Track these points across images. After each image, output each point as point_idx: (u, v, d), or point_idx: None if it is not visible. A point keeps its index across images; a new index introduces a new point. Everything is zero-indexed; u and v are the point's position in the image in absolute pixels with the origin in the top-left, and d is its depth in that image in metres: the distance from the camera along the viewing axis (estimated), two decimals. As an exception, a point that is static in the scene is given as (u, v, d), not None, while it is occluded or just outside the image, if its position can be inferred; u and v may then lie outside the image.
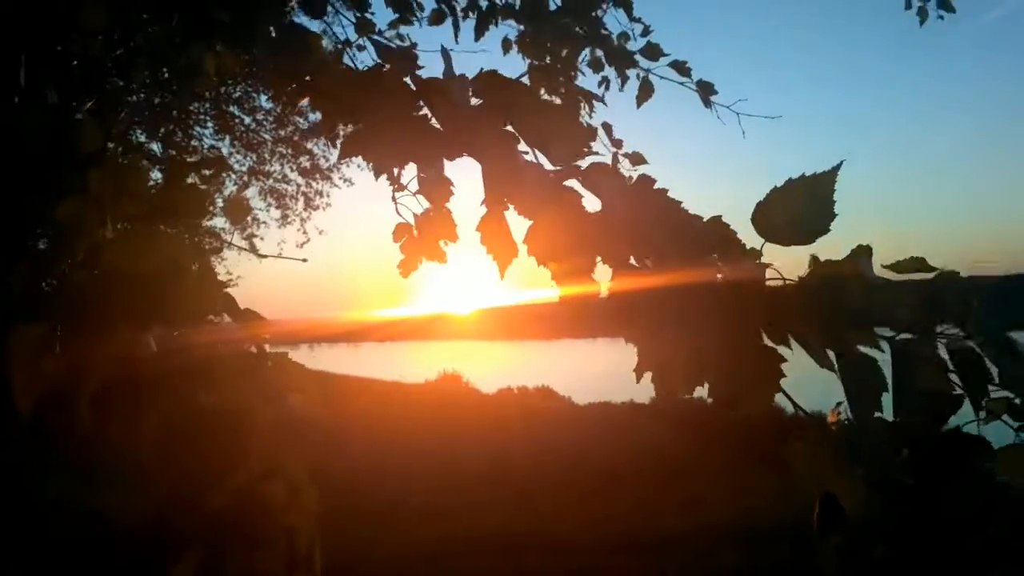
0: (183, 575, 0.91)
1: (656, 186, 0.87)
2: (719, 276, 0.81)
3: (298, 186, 10.89)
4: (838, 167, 0.84)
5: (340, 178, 10.96)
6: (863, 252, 0.79)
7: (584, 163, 0.92)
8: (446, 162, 1.05)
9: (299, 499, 1.02)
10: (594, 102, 2.75)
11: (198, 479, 0.95)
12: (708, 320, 0.79)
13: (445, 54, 0.97)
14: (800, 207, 0.83)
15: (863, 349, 0.75)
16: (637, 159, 2.87)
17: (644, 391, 13.44)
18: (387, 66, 0.98)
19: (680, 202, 0.86)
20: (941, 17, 3.27)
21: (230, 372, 1.01)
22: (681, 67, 2.78)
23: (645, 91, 2.81)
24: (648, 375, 0.88)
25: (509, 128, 0.95)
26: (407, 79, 0.98)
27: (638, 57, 2.78)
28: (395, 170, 1.20)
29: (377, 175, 1.12)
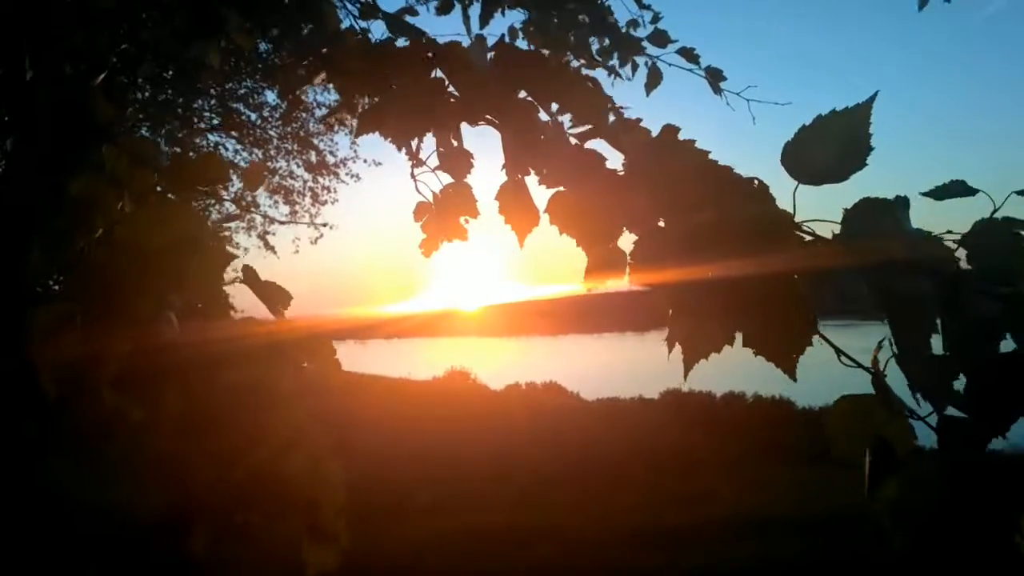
0: (196, 548, 0.90)
1: (681, 136, 0.83)
2: (750, 226, 0.77)
3: (304, 182, 10.93)
4: (872, 98, 0.80)
5: (347, 174, 10.98)
6: (900, 203, 0.76)
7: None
8: (464, 136, 1.02)
9: (322, 470, 1.01)
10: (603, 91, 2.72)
11: (219, 455, 0.94)
12: (741, 273, 0.76)
13: (466, 19, 0.94)
14: (834, 143, 0.79)
15: (905, 285, 0.73)
16: None
17: (652, 386, 13.44)
18: (396, 38, 0.95)
19: (708, 152, 0.83)
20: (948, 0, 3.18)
21: (251, 345, 1.00)
22: (689, 53, 2.77)
23: (654, 78, 2.80)
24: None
25: (528, 97, 0.92)
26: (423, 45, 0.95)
27: (646, 44, 2.76)
28: (414, 143, 1.16)
29: (399, 147, 1.09)
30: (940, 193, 0.84)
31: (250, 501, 0.96)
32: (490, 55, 0.94)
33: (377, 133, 1.04)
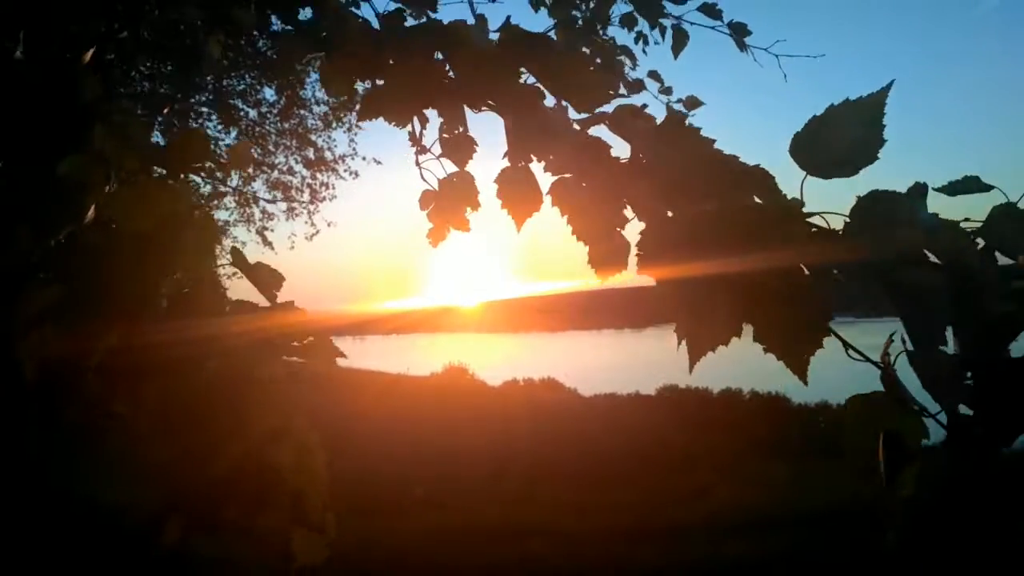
0: (171, 537, 0.90)
1: (688, 124, 0.82)
2: (757, 216, 0.76)
3: (303, 178, 10.91)
4: (887, 88, 0.78)
5: (345, 170, 10.96)
6: (918, 190, 0.74)
7: (610, 107, 0.88)
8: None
9: (308, 461, 1.00)
10: (636, 56, 2.67)
11: (202, 446, 0.93)
12: (749, 266, 0.74)
13: (470, 2, 0.94)
14: (845, 136, 0.77)
15: (919, 280, 0.71)
16: (692, 103, 2.75)
17: (649, 382, 13.44)
18: (406, 10, 0.94)
19: (713, 140, 0.81)
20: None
21: (238, 335, 0.99)
22: (711, 9, 2.63)
23: (680, 40, 2.66)
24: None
25: (532, 81, 0.91)
26: (427, 24, 0.94)
27: (666, 4, 2.66)
28: (417, 129, 1.15)
29: (401, 128, 1.07)
30: (953, 189, 0.81)
31: (235, 492, 0.95)
32: (495, 36, 0.93)
33: (380, 120, 1.03)
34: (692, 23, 2.69)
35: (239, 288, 1.26)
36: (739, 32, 2.74)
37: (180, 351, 0.95)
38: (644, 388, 14.03)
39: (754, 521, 6.21)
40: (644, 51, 2.80)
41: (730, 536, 5.89)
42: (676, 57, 2.72)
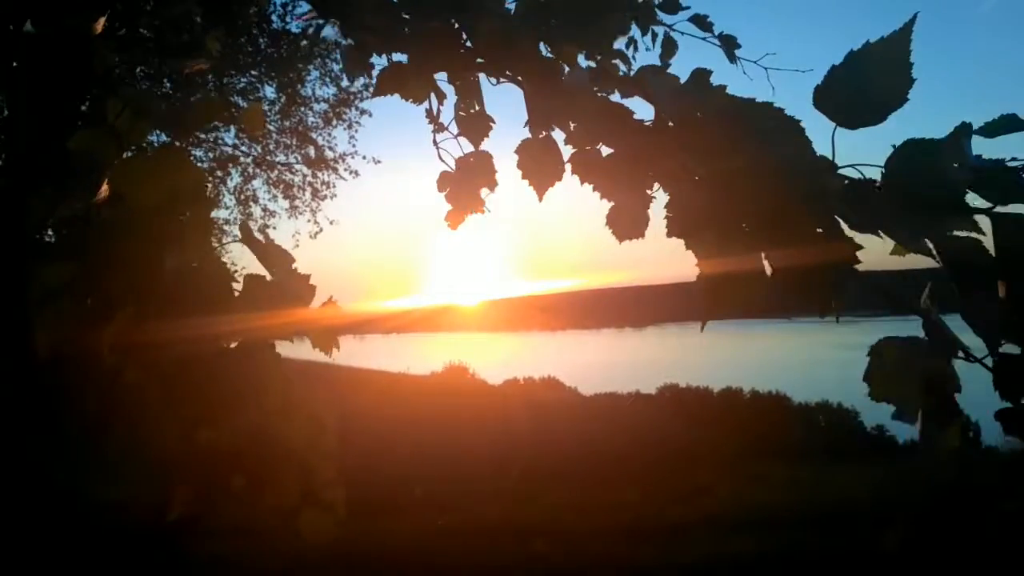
0: (177, 509, 0.89)
1: (712, 81, 0.80)
2: (791, 173, 0.73)
3: (304, 176, 10.91)
4: (911, 22, 0.74)
5: (346, 169, 10.96)
6: (963, 131, 0.71)
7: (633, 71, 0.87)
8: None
9: (320, 438, 0.98)
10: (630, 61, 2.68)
11: (206, 417, 0.91)
12: (781, 222, 0.73)
13: None
14: (871, 79, 0.74)
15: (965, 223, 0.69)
16: None
17: (650, 381, 13.43)
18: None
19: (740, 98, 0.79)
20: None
21: (251, 308, 0.97)
22: (702, 21, 2.65)
23: (668, 48, 2.69)
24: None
25: (550, 52, 0.90)
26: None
27: (658, 12, 2.68)
28: (434, 107, 1.14)
29: (418, 104, 1.06)
30: (992, 130, 0.76)
31: (242, 464, 0.93)
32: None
33: (379, 119, 1.03)
34: (683, 33, 2.72)
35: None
36: (729, 44, 2.75)
37: (192, 326, 0.92)
38: (645, 387, 14.06)
39: (755, 520, 6.20)
40: (634, 57, 2.82)
41: (731, 535, 5.89)
42: (662, 65, 2.74)
